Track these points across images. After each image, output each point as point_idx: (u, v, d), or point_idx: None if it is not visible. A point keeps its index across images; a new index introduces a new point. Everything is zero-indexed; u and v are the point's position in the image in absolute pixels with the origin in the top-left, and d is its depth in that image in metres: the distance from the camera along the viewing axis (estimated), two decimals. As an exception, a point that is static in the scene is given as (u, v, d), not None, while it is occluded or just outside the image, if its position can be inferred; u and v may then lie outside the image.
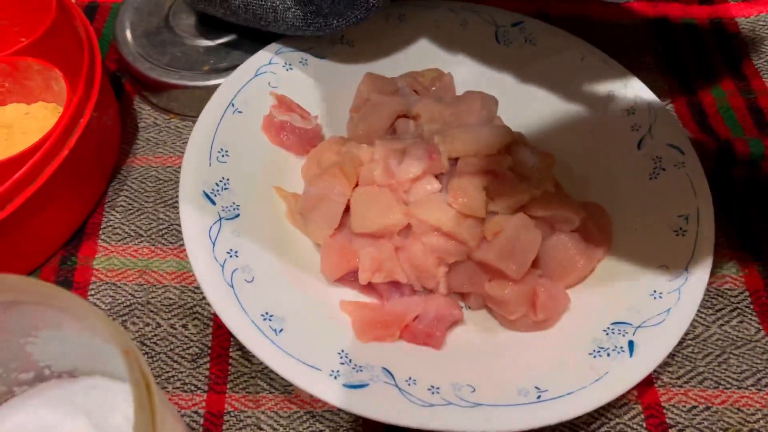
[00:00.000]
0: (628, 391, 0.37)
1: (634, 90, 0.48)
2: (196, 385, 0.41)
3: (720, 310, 0.44)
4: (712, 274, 0.45)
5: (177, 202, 0.48)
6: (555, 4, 0.62)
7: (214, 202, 0.42)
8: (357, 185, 0.43)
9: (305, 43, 0.51)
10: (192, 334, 0.43)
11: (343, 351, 0.38)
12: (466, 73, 0.52)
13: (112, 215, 0.48)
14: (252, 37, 0.53)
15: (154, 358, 0.42)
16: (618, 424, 0.39)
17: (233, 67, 0.49)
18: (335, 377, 0.36)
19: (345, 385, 0.36)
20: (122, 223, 0.47)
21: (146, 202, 0.49)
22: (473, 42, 0.53)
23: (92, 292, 0.44)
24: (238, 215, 0.43)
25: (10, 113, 0.49)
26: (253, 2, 0.48)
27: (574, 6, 0.62)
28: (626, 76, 0.49)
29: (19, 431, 0.31)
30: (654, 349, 0.37)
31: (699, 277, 0.39)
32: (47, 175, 0.42)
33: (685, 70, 0.57)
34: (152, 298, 0.44)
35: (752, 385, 0.41)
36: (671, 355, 0.42)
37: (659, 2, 0.62)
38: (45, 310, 0.27)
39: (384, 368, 0.37)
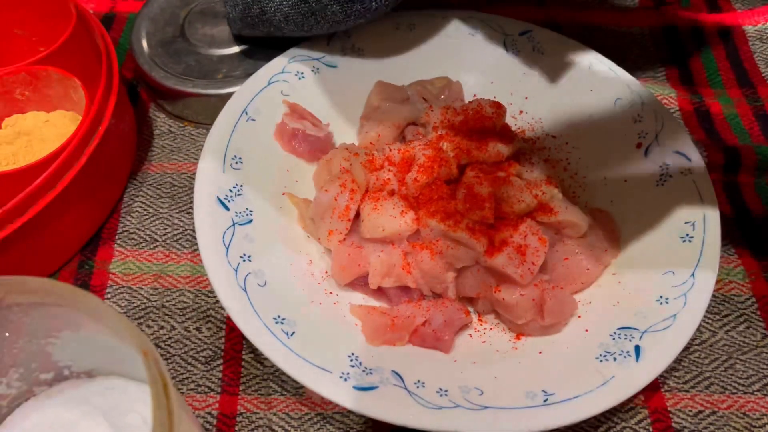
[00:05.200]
0: (635, 396, 0.37)
1: (642, 97, 0.49)
2: (209, 387, 0.41)
3: (726, 315, 0.44)
4: (719, 280, 0.45)
5: (191, 207, 0.49)
6: (563, 13, 0.62)
7: (227, 208, 0.43)
8: (367, 191, 0.44)
9: (317, 52, 0.52)
10: (205, 336, 0.43)
11: (353, 354, 0.38)
12: (475, 82, 0.53)
13: (128, 220, 0.49)
14: (265, 46, 0.54)
15: (169, 361, 0.42)
16: (625, 428, 0.40)
17: (246, 76, 0.50)
18: (345, 380, 0.37)
19: (355, 388, 0.36)
20: (138, 229, 0.49)
21: (161, 207, 0.50)
22: (482, 50, 0.53)
23: (108, 296, 0.45)
24: (251, 221, 0.43)
25: (30, 121, 0.50)
26: (292, 12, 0.48)
27: (582, 14, 0.62)
28: (633, 83, 0.50)
29: (39, 430, 0.32)
30: (660, 354, 0.38)
31: (705, 283, 0.40)
32: (66, 181, 0.43)
33: (692, 77, 0.58)
34: (167, 301, 0.45)
35: (758, 390, 0.41)
36: (678, 360, 0.42)
37: (667, 10, 0.62)
38: (66, 311, 0.28)
39: (393, 371, 0.38)
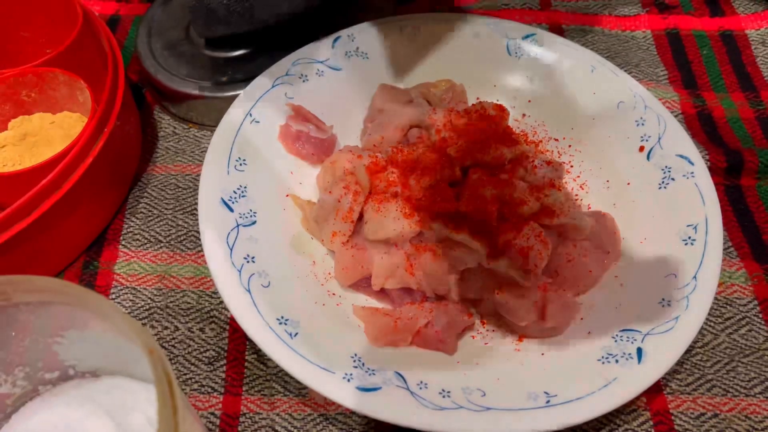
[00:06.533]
0: (637, 398, 0.37)
1: (644, 101, 0.49)
2: (212, 387, 0.42)
3: (729, 318, 0.44)
4: (721, 282, 0.46)
5: (195, 209, 0.49)
6: (566, 16, 0.63)
7: (231, 209, 0.43)
8: (370, 193, 0.44)
9: (321, 55, 0.52)
10: (209, 337, 0.44)
11: (356, 355, 0.39)
12: (478, 85, 0.53)
13: (133, 221, 0.49)
14: (269, 49, 0.55)
15: (173, 361, 0.43)
16: (627, 430, 0.40)
17: (251, 78, 0.50)
18: (348, 380, 0.37)
19: (358, 388, 0.36)
20: (142, 230, 0.49)
21: (165, 209, 0.50)
22: (485, 54, 0.54)
23: (113, 296, 0.45)
24: (255, 222, 0.44)
25: (36, 122, 0.50)
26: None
27: (585, 18, 0.63)
28: (636, 87, 0.50)
29: (43, 429, 0.32)
30: (662, 357, 0.38)
31: (707, 286, 0.40)
32: (72, 182, 0.43)
33: (694, 81, 0.58)
34: (171, 302, 0.45)
35: (760, 393, 0.41)
36: (680, 363, 0.42)
37: (670, 14, 0.63)
38: (72, 310, 0.28)
39: (396, 372, 0.38)
